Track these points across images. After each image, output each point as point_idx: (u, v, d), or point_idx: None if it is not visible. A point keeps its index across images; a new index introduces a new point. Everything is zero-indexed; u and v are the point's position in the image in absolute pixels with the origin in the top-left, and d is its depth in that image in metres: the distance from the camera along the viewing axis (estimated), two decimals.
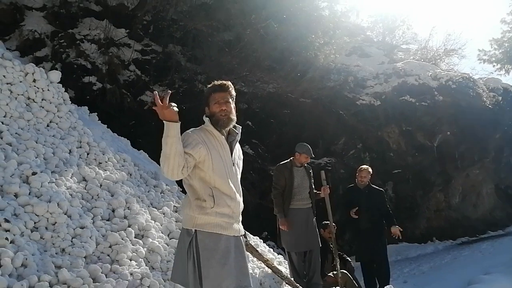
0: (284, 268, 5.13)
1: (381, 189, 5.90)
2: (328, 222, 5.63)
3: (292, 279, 4.77)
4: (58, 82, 4.67)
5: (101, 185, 3.79)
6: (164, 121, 2.15)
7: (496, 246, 10.91)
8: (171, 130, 2.15)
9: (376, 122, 12.24)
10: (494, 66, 24.81)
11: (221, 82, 2.51)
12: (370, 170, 5.74)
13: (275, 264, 5.10)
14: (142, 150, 6.68)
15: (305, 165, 4.98)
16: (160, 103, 2.12)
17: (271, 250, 5.51)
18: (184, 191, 2.44)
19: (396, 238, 5.43)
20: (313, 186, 4.95)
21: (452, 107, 12.69)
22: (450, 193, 13.91)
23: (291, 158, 4.93)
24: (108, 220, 3.39)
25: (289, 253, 4.85)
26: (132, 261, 2.98)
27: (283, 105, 11.26)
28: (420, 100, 12.50)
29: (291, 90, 11.25)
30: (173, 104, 2.16)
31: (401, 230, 5.41)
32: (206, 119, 2.46)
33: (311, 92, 11.49)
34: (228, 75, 10.49)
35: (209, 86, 2.53)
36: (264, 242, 6.06)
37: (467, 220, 14.12)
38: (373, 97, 12.34)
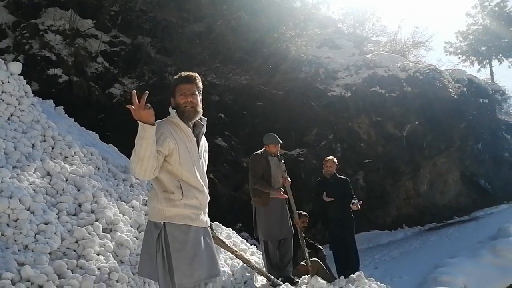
0: (257, 258, 5.18)
1: (346, 178, 6.08)
2: (301, 212, 5.75)
3: (265, 268, 4.82)
4: (20, 74, 4.48)
5: (66, 180, 3.68)
6: (139, 122, 2.10)
7: (462, 231, 11.37)
8: (147, 132, 2.10)
9: (347, 113, 12.42)
10: (459, 58, 25.73)
11: (187, 73, 2.47)
12: (335, 160, 5.96)
13: (248, 254, 5.14)
14: (111, 144, 6.54)
15: (278, 155, 5.01)
16: (138, 103, 2.07)
17: (244, 241, 5.53)
18: None
19: (356, 210, 5.59)
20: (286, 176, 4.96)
21: (419, 98, 13.01)
22: (419, 181, 14.34)
23: (264, 148, 4.96)
24: (74, 215, 3.30)
25: (265, 242, 4.89)
26: (99, 256, 2.93)
27: (255, 97, 11.25)
28: (389, 91, 12.76)
29: (263, 82, 11.24)
30: (149, 105, 2.11)
31: (360, 206, 5.60)
32: (172, 110, 2.44)
33: (283, 84, 11.52)
34: (199, 66, 10.38)
35: (175, 77, 2.49)
36: (238, 234, 6.09)
37: (434, 207, 14.61)
38: (343, 89, 12.50)
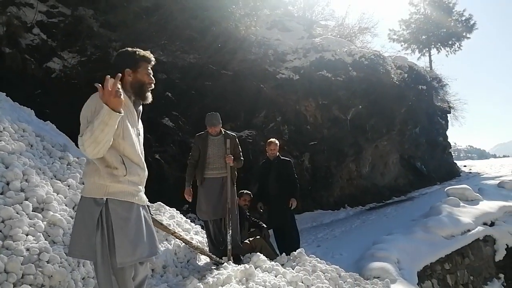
0: (201, 238, 5.17)
1: (289, 159, 6.27)
2: (244, 191, 5.80)
3: (208, 247, 4.84)
4: None
5: None
6: (105, 106, 2.03)
7: (399, 210, 12.02)
8: (112, 120, 2.05)
9: (295, 96, 12.59)
10: (402, 45, 26.89)
11: (150, 53, 2.46)
12: (277, 142, 6.11)
13: (192, 234, 5.12)
14: (49, 121, 6.18)
15: (225, 133, 4.93)
16: (109, 88, 2.01)
17: (188, 221, 5.50)
18: None
19: (291, 207, 5.88)
20: (239, 156, 4.88)
21: (364, 82, 13.45)
22: (361, 163, 14.95)
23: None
24: (1, 193, 3.08)
25: (205, 222, 4.88)
26: (28, 236, 2.76)
27: (204, 77, 11.06)
28: (336, 75, 13.06)
29: (212, 61, 11.07)
30: (120, 92, 2.06)
31: (295, 205, 5.91)
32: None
33: (233, 64, 11.43)
34: (146, 43, 9.98)
35: (141, 52, 2.42)
36: (185, 215, 6.07)
37: (375, 188, 15.34)
38: (292, 71, 12.63)
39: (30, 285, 2.48)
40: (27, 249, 2.63)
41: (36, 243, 2.71)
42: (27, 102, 6.26)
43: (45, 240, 2.82)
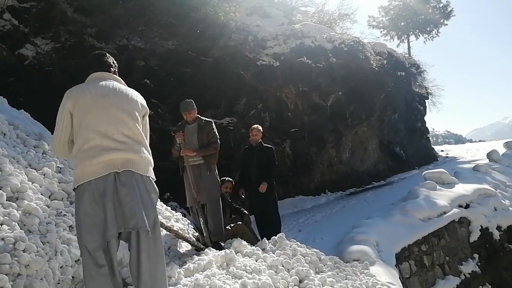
0: (182, 225, 5.16)
1: (270, 146, 6.29)
2: (226, 178, 5.80)
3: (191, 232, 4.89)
4: None
5: None
6: None
7: (378, 194, 12.22)
8: None
9: (275, 83, 12.55)
10: (381, 32, 27.10)
11: None
12: (260, 128, 6.11)
13: (172, 221, 5.10)
14: (22, 110, 6.00)
15: (199, 120, 4.90)
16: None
17: (169, 208, 5.47)
18: None
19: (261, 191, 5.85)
20: (213, 141, 4.85)
21: (344, 69, 13.51)
22: (341, 149, 15.10)
23: None
24: None
25: (190, 208, 4.96)
26: (3, 225, 2.70)
27: (183, 63, 10.91)
28: (316, 61, 13.07)
29: (191, 48, 10.91)
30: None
31: (265, 189, 5.86)
32: None
33: (212, 50, 11.29)
34: (122, 29, 9.79)
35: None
36: (166, 203, 6.05)
37: (355, 173, 15.56)
38: (272, 58, 12.56)
39: (6, 274, 2.43)
40: (2, 239, 2.58)
41: (11, 232, 2.65)
42: None
43: (21, 229, 2.76)
